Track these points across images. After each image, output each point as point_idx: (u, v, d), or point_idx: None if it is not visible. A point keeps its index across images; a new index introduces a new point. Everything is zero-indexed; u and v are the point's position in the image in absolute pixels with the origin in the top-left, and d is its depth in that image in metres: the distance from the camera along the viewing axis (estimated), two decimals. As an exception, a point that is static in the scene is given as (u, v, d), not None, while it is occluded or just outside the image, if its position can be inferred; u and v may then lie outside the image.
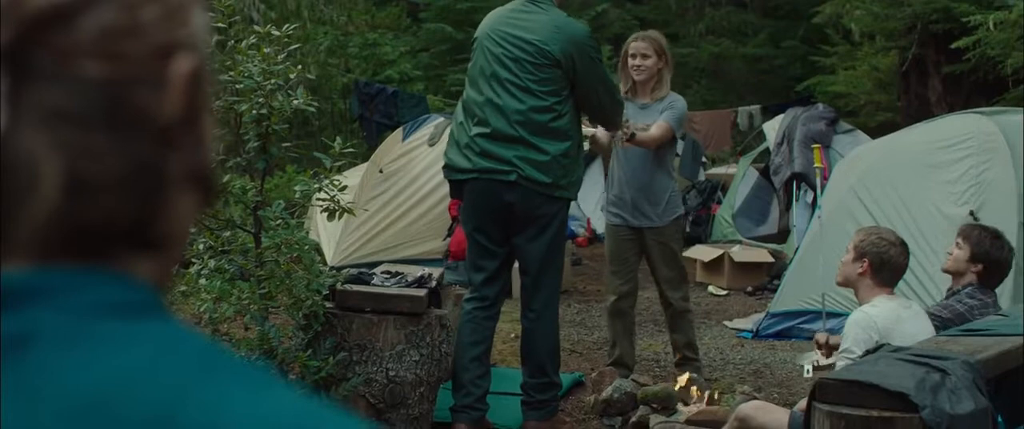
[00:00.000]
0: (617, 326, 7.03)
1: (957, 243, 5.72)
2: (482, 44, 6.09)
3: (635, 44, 6.82)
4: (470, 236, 6.39)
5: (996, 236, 5.68)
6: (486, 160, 6.00)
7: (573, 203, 13.51)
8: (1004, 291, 6.98)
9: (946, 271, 5.86)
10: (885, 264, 5.18)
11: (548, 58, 5.87)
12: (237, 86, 5.87)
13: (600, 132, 6.78)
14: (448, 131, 6.61)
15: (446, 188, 7.17)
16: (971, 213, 7.39)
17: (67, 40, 0.76)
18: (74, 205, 0.76)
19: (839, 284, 5.62)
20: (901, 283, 5.82)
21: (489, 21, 6.18)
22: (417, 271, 7.06)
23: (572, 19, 6.21)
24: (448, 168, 6.26)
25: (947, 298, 5.73)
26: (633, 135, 6.55)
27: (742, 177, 13.04)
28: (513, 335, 7.98)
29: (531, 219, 6.03)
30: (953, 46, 10.85)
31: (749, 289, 10.43)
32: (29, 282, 0.76)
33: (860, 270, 5.19)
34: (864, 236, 5.31)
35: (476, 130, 6.04)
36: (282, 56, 6.04)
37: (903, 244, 5.28)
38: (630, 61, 6.79)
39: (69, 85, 0.76)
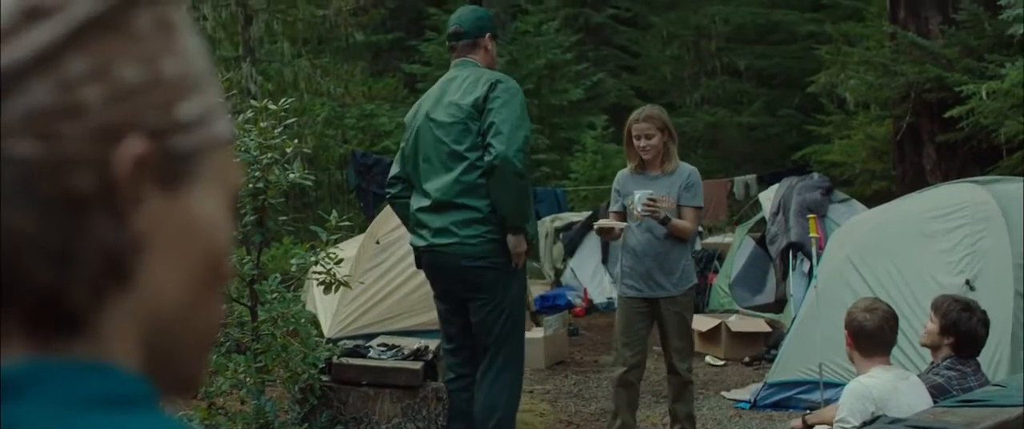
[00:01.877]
0: (622, 397, 6.99)
1: (930, 316, 5.72)
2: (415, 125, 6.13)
3: (637, 125, 6.85)
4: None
5: (966, 307, 5.67)
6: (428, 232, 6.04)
7: (570, 272, 13.67)
8: (1002, 361, 6.98)
9: (923, 345, 5.87)
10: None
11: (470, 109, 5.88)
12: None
13: (614, 223, 6.83)
14: None
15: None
16: (967, 282, 7.39)
17: None
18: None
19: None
20: (898, 354, 5.82)
21: (426, 97, 6.22)
22: (414, 343, 7.06)
23: (498, 72, 6.11)
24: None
25: (927, 372, 5.72)
26: (667, 219, 6.60)
27: (738, 246, 13.04)
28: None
29: (477, 286, 5.96)
30: (947, 115, 10.90)
31: (746, 359, 10.41)
32: (4, 375, 0.74)
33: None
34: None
35: (416, 204, 6.08)
36: (279, 130, 6.08)
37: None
38: (635, 142, 6.82)
39: None
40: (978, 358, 5.71)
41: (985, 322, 5.67)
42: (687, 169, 6.90)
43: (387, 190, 6.39)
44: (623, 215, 6.90)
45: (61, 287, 0.77)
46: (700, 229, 14.56)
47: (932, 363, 5.75)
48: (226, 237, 0.86)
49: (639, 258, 6.81)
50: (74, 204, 0.76)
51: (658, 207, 6.59)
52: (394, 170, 6.28)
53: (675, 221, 6.66)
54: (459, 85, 5.96)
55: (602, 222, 7.02)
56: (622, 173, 7.01)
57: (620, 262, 7.05)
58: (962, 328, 5.58)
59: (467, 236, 5.87)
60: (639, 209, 6.66)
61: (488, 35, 6.18)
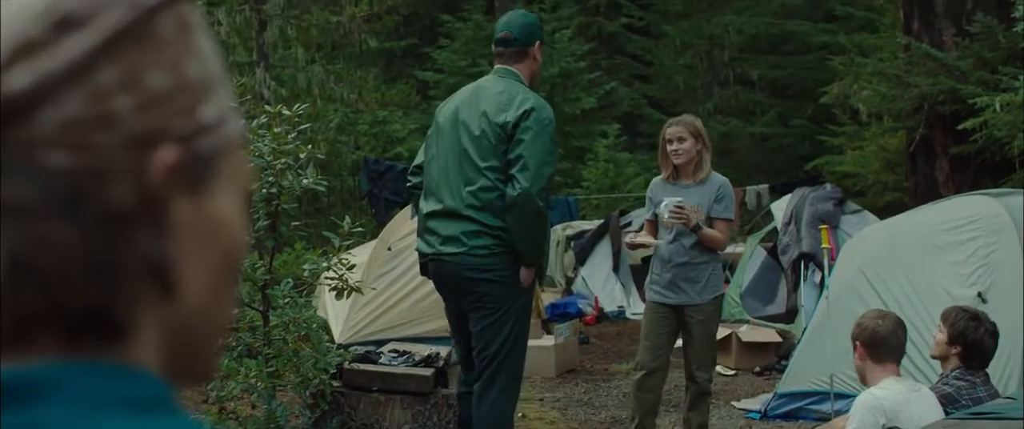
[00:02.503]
0: (642, 402, 6.96)
1: (939, 327, 5.71)
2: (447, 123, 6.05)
3: (671, 129, 6.84)
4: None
5: (974, 317, 5.66)
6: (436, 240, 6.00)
7: (582, 281, 13.67)
8: (1013, 374, 6.97)
9: (933, 357, 5.86)
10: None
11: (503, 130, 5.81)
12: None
13: (644, 240, 6.85)
14: None
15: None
16: (979, 294, 7.38)
17: (27, 132, 0.74)
18: (27, 293, 0.75)
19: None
20: (909, 366, 5.82)
21: (461, 94, 6.14)
22: (425, 350, 7.07)
23: (536, 95, 5.99)
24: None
25: (937, 383, 5.72)
26: (698, 227, 6.61)
27: (750, 256, 13.02)
28: (521, 415, 7.94)
29: (479, 298, 5.90)
30: (960, 127, 10.89)
31: (757, 369, 10.39)
32: (31, 377, 0.75)
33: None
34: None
35: (426, 207, 6.04)
36: (292, 135, 6.09)
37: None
38: (668, 147, 6.81)
39: (30, 176, 0.74)
40: (987, 370, 5.70)
41: (993, 333, 5.66)
42: (719, 180, 6.87)
43: (408, 178, 6.32)
44: (655, 222, 6.89)
45: (107, 301, 0.77)
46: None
47: (942, 374, 5.74)
48: (242, 235, 0.87)
49: (666, 265, 6.80)
50: (114, 215, 0.77)
51: (686, 215, 6.58)
52: (418, 159, 6.22)
53: (706, 230, 6.66)
54: (494, 97, 5.86)
55: (631, 239, 7.02)
56: (655, 181, 7.01)
57: (651, 268, 7.05)
58: (969, 338, 5.58)
59: (475, 247, 5.80)
60: (667, 217, 6.66)
61: (538, 43, 6.10)
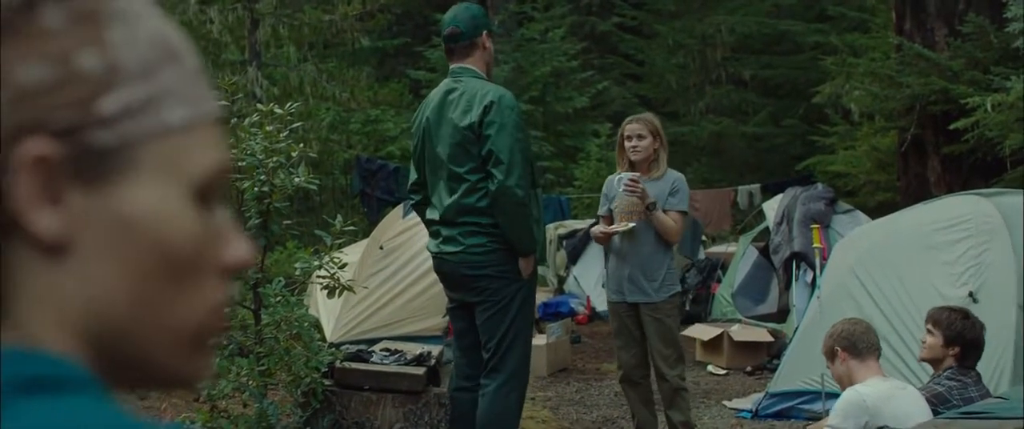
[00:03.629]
0: (632, 396, 7.04)
1: (928, 330, 5.72)
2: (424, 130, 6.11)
3: (630, 126, 6.92)
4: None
5: (966, 316, 5.70)
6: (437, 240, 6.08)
7: (573, 280, 13.67)
8: (1004, 373, 6.98)
9: (923, 360, 5.86)
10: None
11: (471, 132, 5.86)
12: (239, 163, 5.91)
13: (609, 227, 6.87)
14: None
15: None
16: (970, 294, 7.39)
17: None
18: None
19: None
20: (900, 364, 5.83)
21: (428, 106, 6.17)
22: (417, 349, 7.06)
23: (493, 86, 6.00)
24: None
25: (928, 384, 5.72)
26: (653, 206, 6.65)
27: (742, 256, 13.04)
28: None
29: (481, 292, 5.97)
30: (952, 127, 10.90)
31: (748, 369, 10.40)
32: None
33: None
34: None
35: (429, 213, 6.12)
36: (284, 134, 6.09)
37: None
38: (626, 143, 6.88)
39: None
40: (978, 369, 5.72)
41: (984, 328, 5.70)
42: (674, 175, 6.94)
43: (410, 197, 6.39)
44: (610, 219, 6.94)
45: None
46: (703, 238, 14.58)
47: (934, 374, 5.74)
48: (185, 228, 0.84)
49: (621, 262, 6.85)
50: None
51: (640, 188, 6.62)
52: (413, 177, 6.28)
53: (659, 214, 6.70)
54: (456, 102, 5.92)
55: (598, 229, 7.04)
56: (610, 178, 7.07)
57: (607, 266, 7.08)
58: (967, 337, 5.60)
59: (471, 245, 5.90)
60: (621, 190, 6.71)
61: (485, 33, 6.11)
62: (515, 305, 5.96)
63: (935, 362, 5.71)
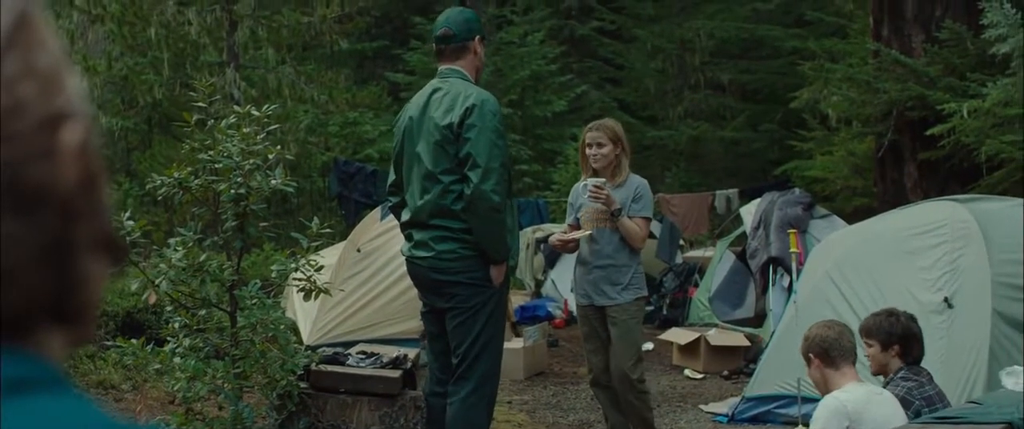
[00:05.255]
0: (603, 399, 7.07)
1: (866, 343, 5.75)
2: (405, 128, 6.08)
3: (590, 133, 6.94)
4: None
5: (890, 313, 5.77)
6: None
7: (551, 283, 13.68)
8: (978, 378, 7.01)
9: (875, 373, 5.88)
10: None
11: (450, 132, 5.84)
12: (216, 165, 5.89)
13: (569, 235, 6.88)
14: None
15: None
16: (946, 299, 7.42)
17: None
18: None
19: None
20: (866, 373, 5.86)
21: (413, 106, 6.15)
22: (393, 351, 7.06)
23: (478, 89, 5.99)
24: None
25: (884, 387, 5.74)
26: (619, 211, 6.66)
27: (719, 260, 13.06)
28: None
29: (450, 298, 5.94)
30: (928, 133, 10.94)
31: (725, 373, 10.42)
32: None
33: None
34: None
35: (403, 214, 6.09)
36: (262, 136, 6.07)
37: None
38: (587, 150, 6.92)
39: None
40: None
41: (913, 318, 5.75)
42: (636, 181, 6.96)
43: (388, 198, 6.36)
44: (577, 227, 6.96)
45: (39, 287, 0.78)
46: (681, 242, 14.59)
47: (887, 379, 5.74)
48: None
49: (587, 268, 6.87)
50: (41, 200, 0.77)
51: (605, 193, 6.65)
52: (391, 178, 6.26)
53: (625, 219, 6.73)
54: (440, 101, 5.91)
55: (556, 236, 7.05)
56: (576, 186, 7.11)
57: (574, 272, 7.10)
58: (899, 332, 5.64)
59: (442, 251, 5.87)
60: (585, 197, 6.73)
61: (477, 38, 6.09)
62: (484, 313, 5.91)
63: (884, 369, 5.74)
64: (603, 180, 6.73)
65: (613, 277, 6.82)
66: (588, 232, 6.80)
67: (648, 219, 6.95)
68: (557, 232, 7.31)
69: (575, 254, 7.09)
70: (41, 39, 0.81)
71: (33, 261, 0.76)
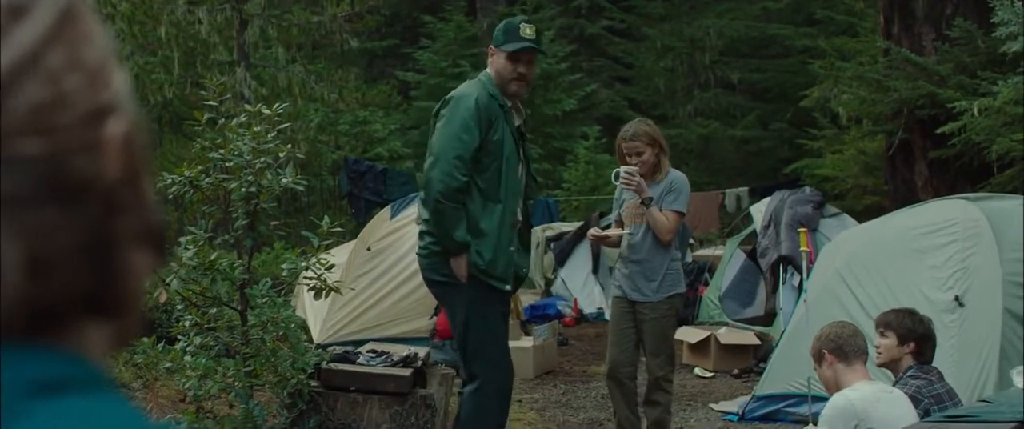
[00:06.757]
0: (615, 394, 7.04)
1: (881, 333, 5.73)
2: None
3: (627, 144, 6.87)
4: None
5: (911, 313, 5.76)
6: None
7: (561, 282, 13.67)
8: (989, 377, 6.99)
9: (882, 365, 5.86)
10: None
11: None
12: (227, 164, 5.90)
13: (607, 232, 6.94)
14: None
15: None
16: (956, 298, 7.41)
17: (4, 124, 0.75)
18: (36, 284, 0.74)
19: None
20: (885, 368, 5.84)
21: None
22: (403, 350, 7.05)
23: (470, 85, 6.02)
24: None
25: (893, 386, 5.73)
26: (649, 200, 6.69)
27: (729, 259, 13.04)
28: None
29: (435, 296, 6.02)
30: (939, 131, 10.91)
31: (735, 371, 10.41)
32: None
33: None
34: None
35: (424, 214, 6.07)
36: (272, 134, 6.08)
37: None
38: (628, 160, 6.85)
39: (10, 167, 0.74)
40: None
41: (932, 322, 5.77)
42: (674, 175, 6.94)
43: None
44: (621, 225, 6.98)
45: (81, 279, 0.78)
46: (691, 241, 14.58)
47: (897, 377, 5.74)
48: None
49: (624, 261, 6.89)
50: (85, 193, 0.77)
51: (637, 181, 6.67)
52: None
53: (655, 210, 6.72)
54: None
55: (595, 230, 7.08)
56: (615, 174, 7.09)
57: (615, 264, 7.15)
58: (920, 331, 5.64)
59: (420, 247, 5.96)
60: (620, 184, 6.78)
61: (491, 47, 6.10)
62: (461, 311, 5.86)
63: (893, 364, 5.72)
64: (634, 168, 6.72)
65: (647, 273, 6.82)
66: (627, 231, 6.82)
67: (680, 214, 6.89)
68: (584, 229, 7.37)
69: (616, 249, 7.13)
70: (88, 33, 0.81)
71: (74, 252, 0.76)
